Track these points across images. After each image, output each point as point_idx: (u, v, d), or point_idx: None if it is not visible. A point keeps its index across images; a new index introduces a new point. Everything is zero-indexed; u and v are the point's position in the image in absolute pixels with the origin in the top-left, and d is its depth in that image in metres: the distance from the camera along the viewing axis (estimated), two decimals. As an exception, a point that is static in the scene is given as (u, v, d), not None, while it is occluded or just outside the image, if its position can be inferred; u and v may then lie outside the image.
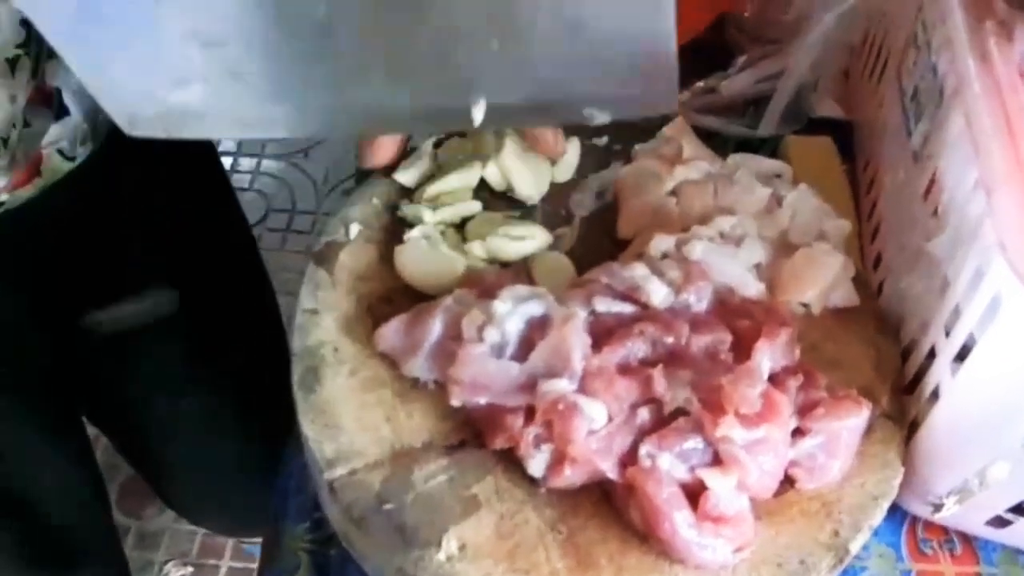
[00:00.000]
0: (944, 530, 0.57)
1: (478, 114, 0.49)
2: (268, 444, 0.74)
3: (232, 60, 0.45)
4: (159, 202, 0.78)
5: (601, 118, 0.48)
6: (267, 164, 2.09)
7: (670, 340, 0.51)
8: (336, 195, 2.01)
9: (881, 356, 0.56)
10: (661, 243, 0.56)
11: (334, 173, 2.05)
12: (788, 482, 0.50)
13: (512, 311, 0.51)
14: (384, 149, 0.59)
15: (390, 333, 0.54)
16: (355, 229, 0.59)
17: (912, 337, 0.56)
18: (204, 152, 0.85)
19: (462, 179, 0.60)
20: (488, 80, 0.47)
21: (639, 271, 0.54)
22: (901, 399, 0.54)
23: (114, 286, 0.79)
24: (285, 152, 2.10)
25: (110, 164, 0.70)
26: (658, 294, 0.53)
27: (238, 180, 2.04)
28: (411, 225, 0.59)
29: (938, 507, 0.53)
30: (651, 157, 0.63)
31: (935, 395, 0.51)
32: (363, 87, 0.48)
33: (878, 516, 0.50)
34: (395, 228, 0.60)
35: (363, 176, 0.64)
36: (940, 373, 0.50)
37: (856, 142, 0.74)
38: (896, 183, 0.62)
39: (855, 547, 0.49)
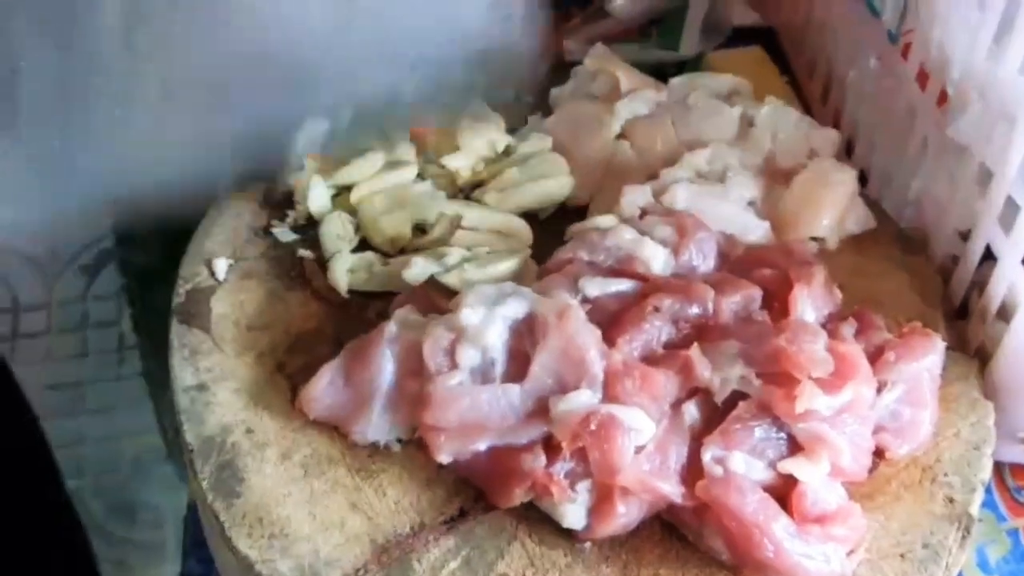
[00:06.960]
0: (1033, 470, 0.58)
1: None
2: None
3: None
4: None
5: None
6: (-48, 248, 1.87)
7: (694, 310, 0.49)
8: (73, 274, 1.84)
9: (920, 280, 0.56)
10: (634, 196, 0.54)
11: (64, 242, 1.86)
12: (876, 455, 0.49)
13: (488, 318, 0.47)
14: None
15: (321, 391, 0.48)
16: (222, 266, 0.53)
17: (946, 250, 0.57)
18: None
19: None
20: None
21: (626, 235, 0.51)
22: (957, 326, 0.55)
23: None
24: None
25: None
26: (657, 258, 0.51)
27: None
28: (307, 243, 0.54)
29: (1034, 442, 0.54)
30: (580, 99, 0.61)
31: (1005, 309, 0.52)
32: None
33: (987, 467, 0.50)
34: (278, 253, 0.54)
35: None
36: (1007, 281, 0.51)
37: (788, 48, 0.76)
38: (867, 77, 0.64)
39: (976, 510, 0.48)
